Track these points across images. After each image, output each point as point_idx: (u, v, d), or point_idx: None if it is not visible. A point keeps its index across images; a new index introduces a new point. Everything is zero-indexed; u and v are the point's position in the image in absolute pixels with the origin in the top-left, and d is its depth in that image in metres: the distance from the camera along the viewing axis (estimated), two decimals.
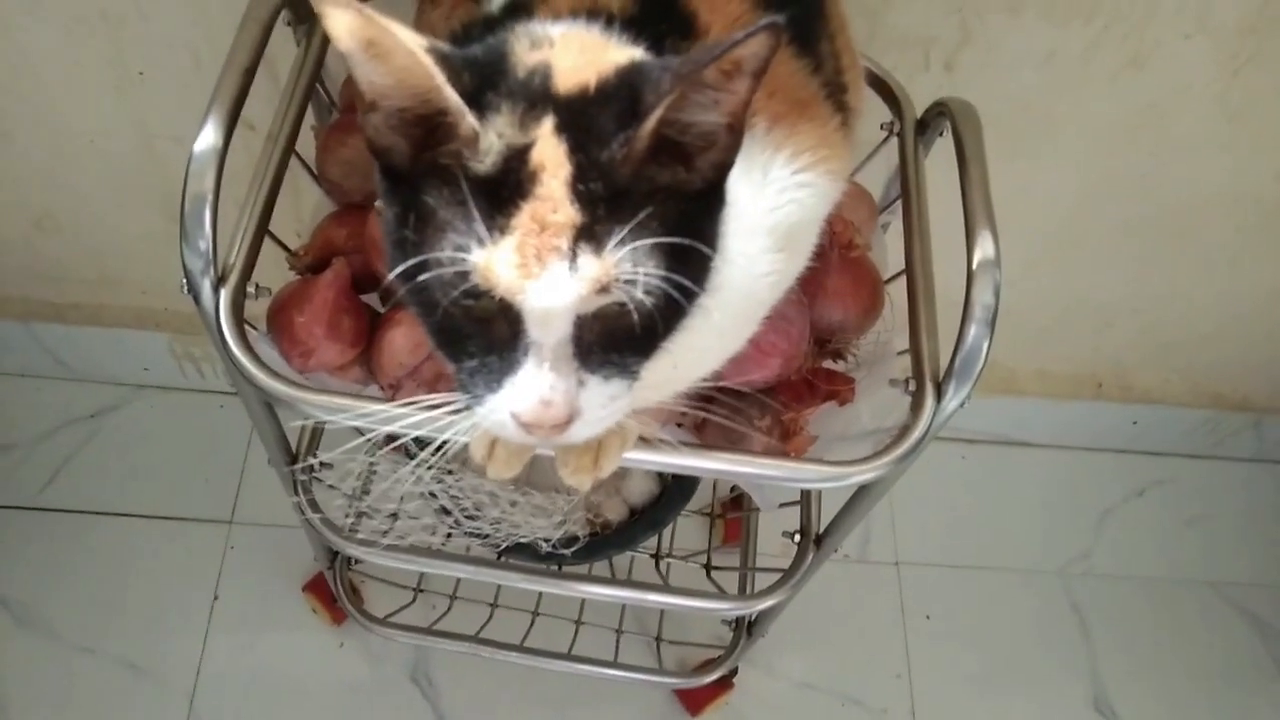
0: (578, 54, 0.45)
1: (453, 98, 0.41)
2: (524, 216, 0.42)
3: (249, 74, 0.64)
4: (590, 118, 0.43)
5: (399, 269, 0.44)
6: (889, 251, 0.81)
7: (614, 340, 0.45)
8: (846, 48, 0.62)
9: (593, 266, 0.42)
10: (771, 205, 0.54)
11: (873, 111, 0.80)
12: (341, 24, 0.40)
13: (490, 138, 0.42)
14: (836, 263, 0.71)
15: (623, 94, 0.43)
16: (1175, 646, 1.45)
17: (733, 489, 1.32)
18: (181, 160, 0.61)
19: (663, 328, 0.46)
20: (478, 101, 0.42)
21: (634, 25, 0.49)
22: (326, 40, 0.74)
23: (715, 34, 0.53)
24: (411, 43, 0.40)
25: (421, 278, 0.44)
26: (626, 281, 0.42)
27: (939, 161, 0.75)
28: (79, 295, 1.32)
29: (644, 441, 0.64)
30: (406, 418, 0.60)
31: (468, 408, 0.48)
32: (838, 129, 0.57)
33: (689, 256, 0.45)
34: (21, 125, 1.06)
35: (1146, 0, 0.87)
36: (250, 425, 1.42)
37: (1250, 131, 1.00)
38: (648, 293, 0.43)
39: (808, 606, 1.37)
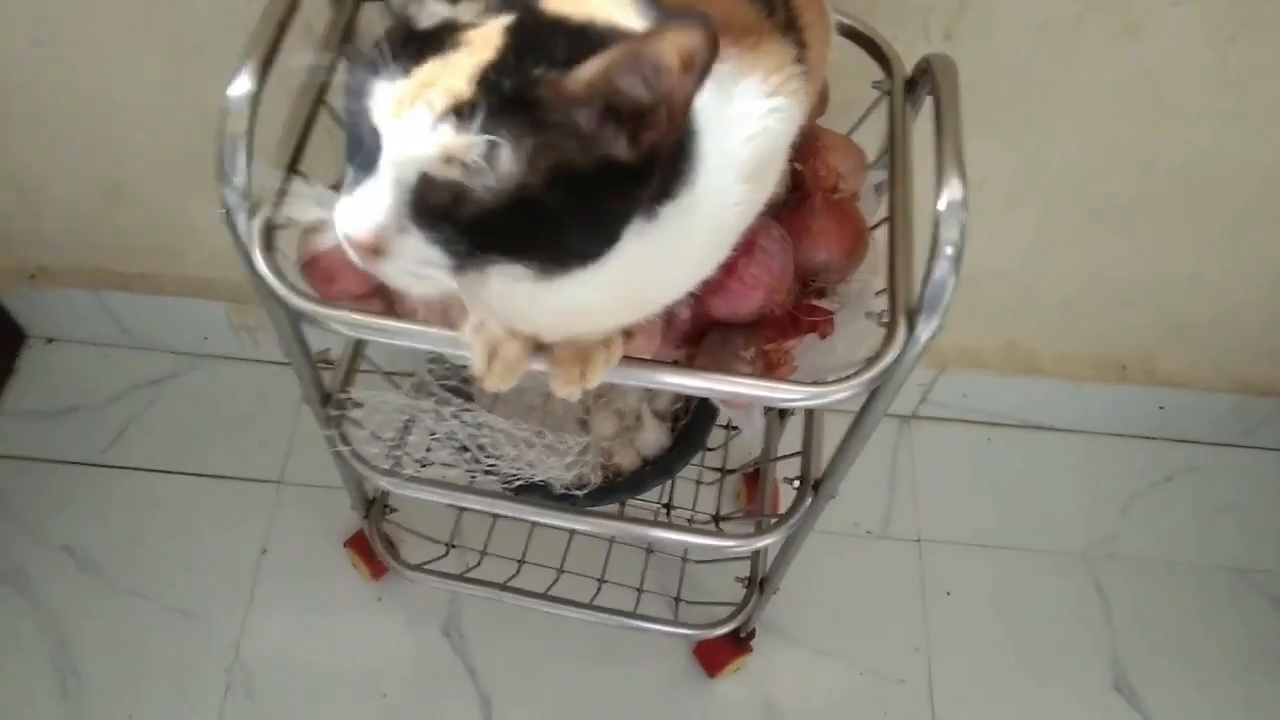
0: None
1: None
2: (424, 69, 0.48)
3: (281, 26, 0.71)
4: (546, 42, 0.48)
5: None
6: (882, 209, 0.86)
7: (449, 213, 0.49)
8: (808, 7, 0.66)
9: (448, 135, 0.47)
10: (747, 136, 0.59)
11: (866, 72, 0.85)
12: None
13: (434, 11, 0.49)
14: (820, 205, 0.76)
15: (585, 41, 0.48)
16: (1201, 631, 1.45)
17: (755, 461, 1.37)
18: None
19: (501, 238, 0.50)
20: None
21: None
22: (355, 5, 0.81)
23: None
24: None
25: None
26: (469, 167, 0.47)
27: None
28: (144, 265, 1.42)
29: (635, 360, 0.70)
30: (414, 332, 0.68)
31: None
32: (796, 62, 0.61)
33: (568, 214, 0.50)
34: (93, 99, 1.15)
35: None
36: (299, 393, 1.51)
37: (1254, 101, 1.02)
38: (490, 193, 0.48)
39: (829, 579, 1.42)
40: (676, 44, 0.45)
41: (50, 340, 1.58)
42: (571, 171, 0.49)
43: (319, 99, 0.76)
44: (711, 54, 0.46)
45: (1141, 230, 1.22)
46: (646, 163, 0.50)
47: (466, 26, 0.49)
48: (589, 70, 0.47)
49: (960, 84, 0.75)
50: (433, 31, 0.50)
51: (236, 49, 1.05)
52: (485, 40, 0.48)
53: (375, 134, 0.49)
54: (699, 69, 0.46)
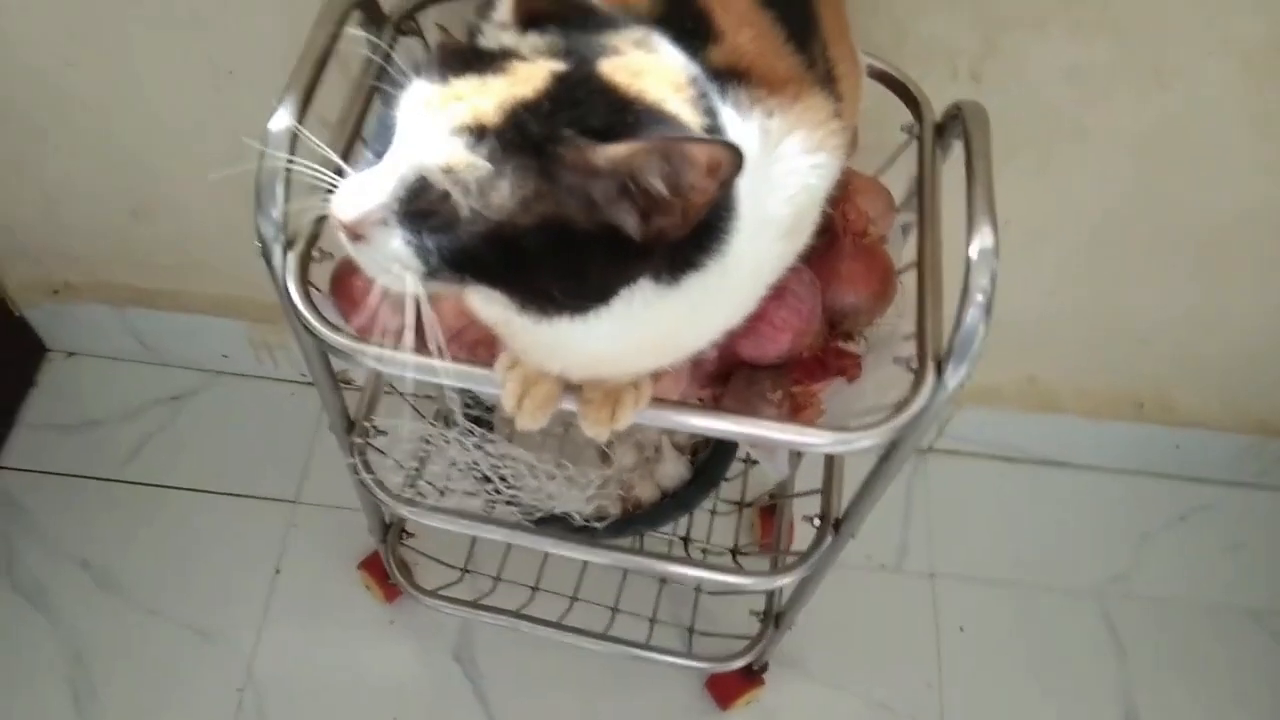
0: (641, 55, 0.52)
1: None
2: (462, 82, 0.49)
3: (320, 64, 0.72)
4: (586, 103, 0.49)
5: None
6: (907, 251, 0.86)
7: (431, 221, 0.50)
8: (843, 58, 0.67)
9: (455, 149, 0.48)
10: (788, 196, 0.59)
11: (894, 114, 0.85)
12: None
13: (498, 34, 0.50)
14: (849, 249, 0.77)
15: (624, 116, 0.49)
16: (1213, 671, 1.44)
17: (770, 496, 1.37)
18: None
19: (472, 261, 0.51)
20: (539, 21, 0.51)
21: (661, 24, 0.56)
22: (392, 40, 0.82)
23: (727, 31, 0.59)
24: None
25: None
26: (464, 185, 0.48)
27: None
28: (167, 282, 1.43)
29: (664, 402, 0.70)
30: (448, 370, 0.68)
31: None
32: (836, 115, 0.62)
33: (548, 262, 0.51)
34: (123, 119, 1.16)
35: (1168, 18, 0.90)
36: (317, 412, 1.52)
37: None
38: (473, 212, 0.49)
39: (842, 612, 1.41)
40: (706, 152, 0.47)
41: (71, 354, 1.59)
42: (566, 226, 0.49)
43: (355, 132, 0.77)
44: (736, 168, 0.47)
45: (1163, 270, 1.22)
46: (653, 242, 0.51)
47: (519, 58, 0.50)
48: (616, 151, 0.47)
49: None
50: (486, 52, 0.51)
51: (268, 73, 1.06)
52: (529, 77, 0.49)
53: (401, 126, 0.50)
54: (722, 178, 0.47)
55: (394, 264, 0.51)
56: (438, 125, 0.48)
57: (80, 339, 1.56)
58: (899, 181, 0.89)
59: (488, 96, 0.48)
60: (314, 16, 0.97)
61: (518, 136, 0.48)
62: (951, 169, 0.82)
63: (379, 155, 0.51)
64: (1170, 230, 1.16)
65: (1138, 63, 0.96)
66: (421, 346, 0.56)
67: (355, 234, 0.51)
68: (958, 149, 0.81)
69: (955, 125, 0.80)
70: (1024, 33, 0.93)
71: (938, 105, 0.84)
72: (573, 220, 0.49)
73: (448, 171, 0.48)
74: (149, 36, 1.06)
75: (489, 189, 0.48)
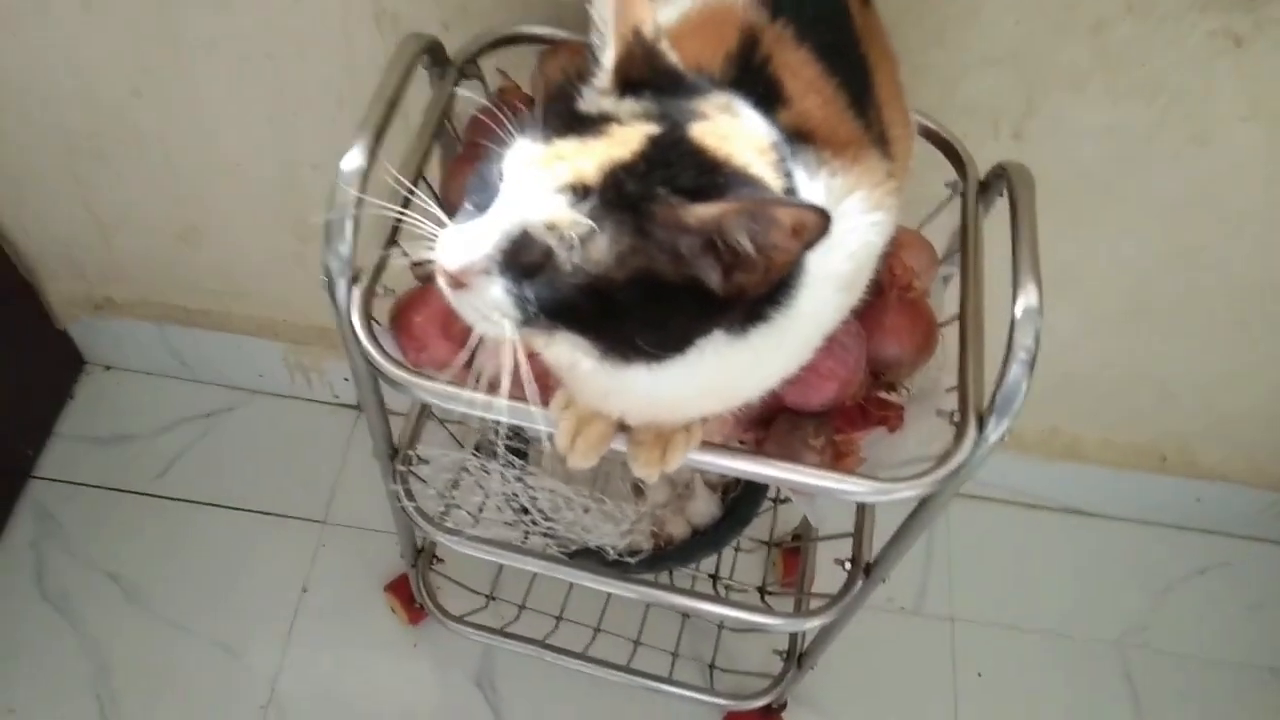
0: (727, 119, 0.55)
1: (610, 57, 0.54)
2: (564, 143, 0.52)
3: (392, 105, 0.75)
4: (678, 164, 0.52)
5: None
6: (947, 301, 0.88)
7: (532, 273, 0.52)
8: (896, 120, 0.69)
9: (558, 206, 0.51)
10: (849, 253, 0.62)
11: (938, 171, 0.88)
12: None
13: (597, 99, 0.53)
14: (895, 303, 0.79)
15: (713, 177, 0.52)
16: None
17: (793, 536, 1.38)
18: (317, 186, 0.72)
19: (568, 311, 0.53)
20: (634, 87, 0.54)
21: (734, 88, 0.58)
22: (456, 83, 0.84)
23: (795, 96, 0.62)
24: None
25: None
26: (566, 241, 0.51)
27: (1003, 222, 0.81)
28: (209, 303, 1.46)
29: (711, 445, 0.72)
30: (508, 408, 0.70)
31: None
32: (890, 175, 0.64)
33: (638, 313, 0.53)
34: (181, 147, 1.20)
35: (1204, 83, 0.92)
36: (348, 434, 1.54)
37: None
38: (573, 266, 0.51)
39: (860, 653, 1.42)
40: (791, 215, 0.49)
41: (108, 368, 1.62)
42: (655, 280, 0.52)
43: (419, 172, 0.80)
44: (823, 231, 0.49)
45: (1191, 326, 1.24)
46: (733, 297, 0.54)
47: (616, 121, 0.53)
48: (707, 210, 0.50)
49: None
50: (586, 115, 0.54)
51: (327, 112, 1.10)
52: (626, 140, 0.52)
53: (500, 181, 0.53)
54: (807, 240, 0.50)
55: (494, 312, 0.54)
56: (542, 183, 0.51)
57: (118, 353, 1.59)
58: (939, 233, 0.91)
59: (588, 157, 0.51)
60: (367, 58, 1.01)
61: (616, 195, 0.50)
62: (989, 223, 0.84)
63: (477, 207, 0.54)
64: (1199, 288, 1.18)
65: (1173, 125, 0.98)
66: (516, 390, 0.58)
67: (458, 282, 0.53)
68: (999, 205, 0.83)
69: (999, 184, 0.83)
70: (1065, 93, 0.95)
71: (978, 162, 0.86)
72: (661, 274, 0.52)
73: (551, 227, 0.51)
74: (213, 72, 1.09)
75: (589, 244, 0.50)
